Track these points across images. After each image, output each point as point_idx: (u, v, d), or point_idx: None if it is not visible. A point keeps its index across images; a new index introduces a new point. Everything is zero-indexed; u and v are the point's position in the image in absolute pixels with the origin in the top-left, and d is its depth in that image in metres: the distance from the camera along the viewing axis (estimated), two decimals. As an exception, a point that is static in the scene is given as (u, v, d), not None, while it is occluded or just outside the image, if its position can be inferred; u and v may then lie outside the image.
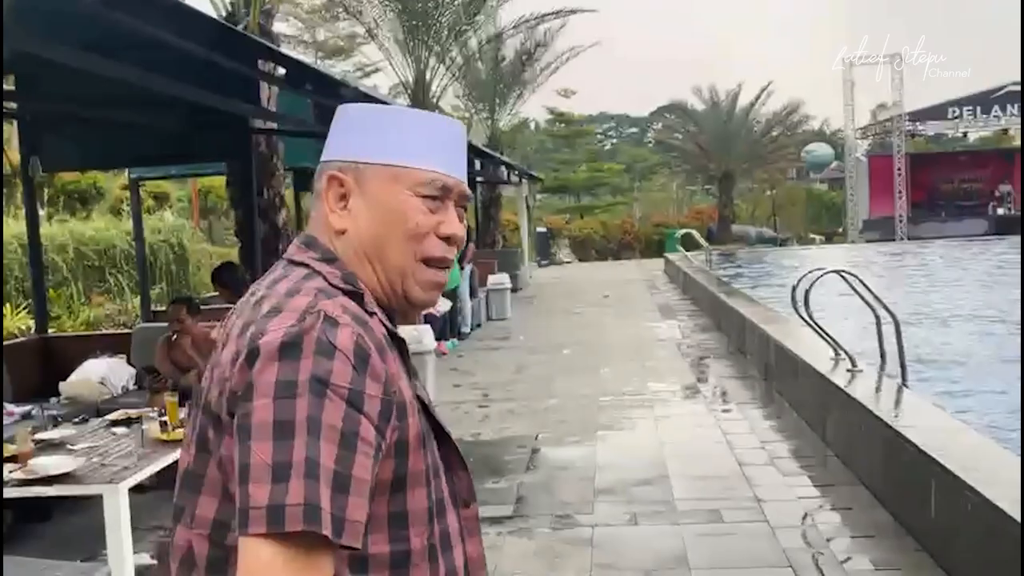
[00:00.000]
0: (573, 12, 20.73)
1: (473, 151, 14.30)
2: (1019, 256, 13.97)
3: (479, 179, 19.64)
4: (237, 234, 7.77)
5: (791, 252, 27.86)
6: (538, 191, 42.20)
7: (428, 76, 15.52)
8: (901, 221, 35.09)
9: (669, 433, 6.54)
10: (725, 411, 7.11)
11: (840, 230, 40.42)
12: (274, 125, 7.28)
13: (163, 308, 10.17)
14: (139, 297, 14.29)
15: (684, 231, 20.02)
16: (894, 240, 34.04)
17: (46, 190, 16.73)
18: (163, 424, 5.27)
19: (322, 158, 1.25)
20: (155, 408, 5.45)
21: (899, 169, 35.39)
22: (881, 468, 4.92)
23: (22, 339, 7.66)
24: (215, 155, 7.47)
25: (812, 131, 39.11)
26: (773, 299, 14.11)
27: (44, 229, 14.01)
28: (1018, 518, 3.27)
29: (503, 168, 19.09)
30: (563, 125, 41.68)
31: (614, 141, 76.21)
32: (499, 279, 14.36)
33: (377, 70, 20.68)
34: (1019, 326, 9.45)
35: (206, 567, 1.12)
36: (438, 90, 15.91)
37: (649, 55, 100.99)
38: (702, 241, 18.55)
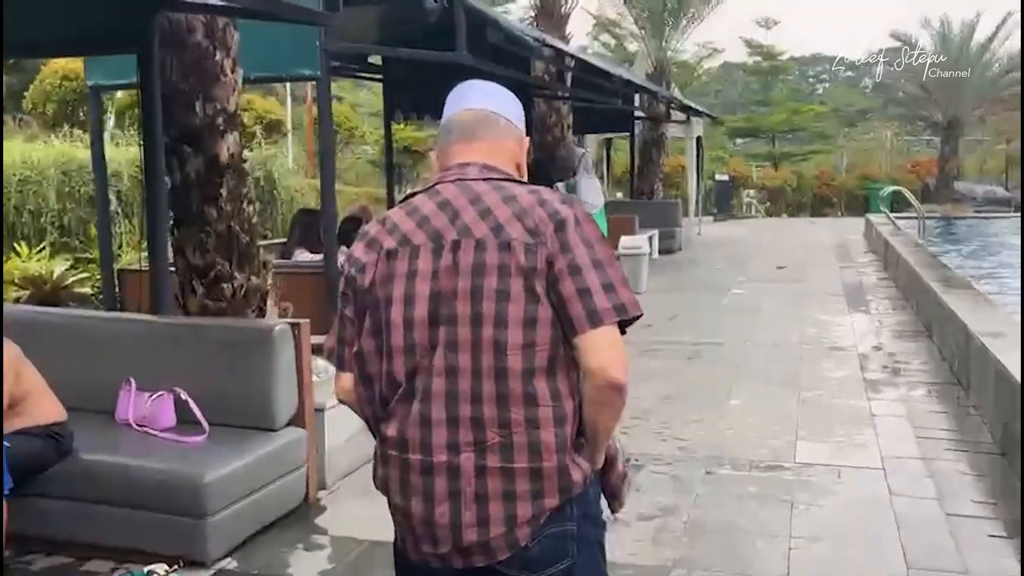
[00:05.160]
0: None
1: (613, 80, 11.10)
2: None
3: (637, 114, 16.34)
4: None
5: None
6: (727, 134, 37.90)
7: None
8: None
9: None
10: (920, 526, 3.84)
11: (1091, 190, 33.89)
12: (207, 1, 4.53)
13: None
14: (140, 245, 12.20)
15: (893, 188, 15.89)
16: None
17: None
18: None
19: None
20: None
21: None
22: None
23: None
24: (112, 44, 4.81)
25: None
26: (1013, 295, 10.16)
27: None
28: None
29: (663, 103, 15.68)
30: (760, 60, 36.94)
31: (827, 85, 69.74)
32: (633, 242, 11.15)
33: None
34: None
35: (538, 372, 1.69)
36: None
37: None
38: (915, 202, 14.47)
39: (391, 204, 11.03)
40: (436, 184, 1.83)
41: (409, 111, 9.66)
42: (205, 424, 4.07)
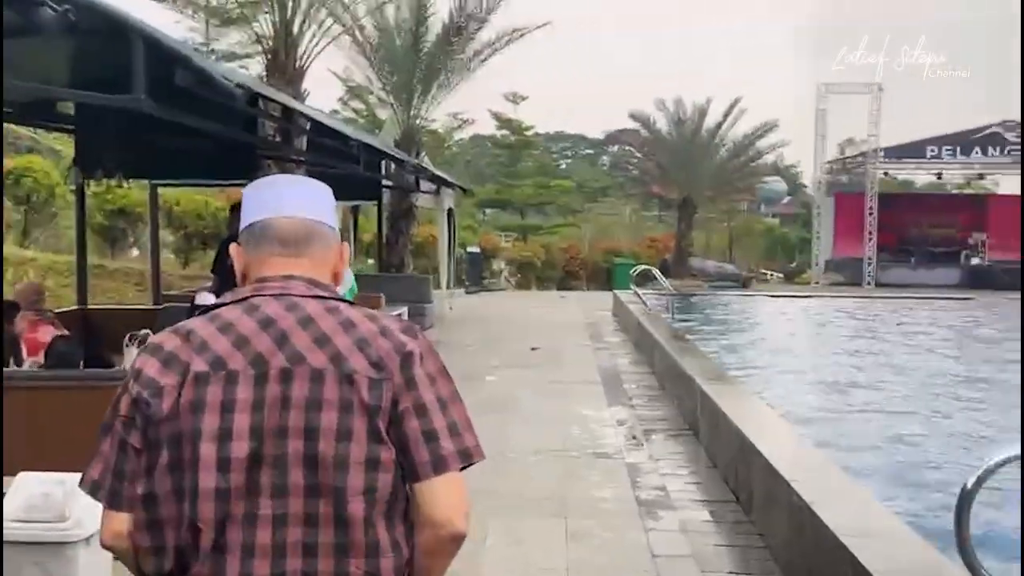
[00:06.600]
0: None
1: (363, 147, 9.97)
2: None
3: (384, 184, 15.32)
4: None
5: (761, 296, 23.98)
6: (476, 205, 37.99)
7: (299, 27, 11.05)
8: (870, 264, 31.60)
9: None
10: None
11: (793, 264, 37.45)
12: None
13: None
14: None
15: (643, 267, 15.89)
16: (860, 284, 30.75)
17: None
18: None
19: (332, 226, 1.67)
20: None
21: (871, 209, 31.85)
22: None
23: None
24: None
25: (764, 164, 35.85)
26: (774, 382, 10.03)
27: None
28: None
29: (411, 173, 14.78)
30: (508, 134, 37.49)
31: (569, 161, 73.14)
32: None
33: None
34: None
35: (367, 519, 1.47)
36: (311, 50, 11.42)
37: (611, 72, 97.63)
38: (664, 282, 14.42)
39: (82, 276, 9.16)
40: (251, 297, 1.55)
41: (96, 168, 7.93)
42: None
